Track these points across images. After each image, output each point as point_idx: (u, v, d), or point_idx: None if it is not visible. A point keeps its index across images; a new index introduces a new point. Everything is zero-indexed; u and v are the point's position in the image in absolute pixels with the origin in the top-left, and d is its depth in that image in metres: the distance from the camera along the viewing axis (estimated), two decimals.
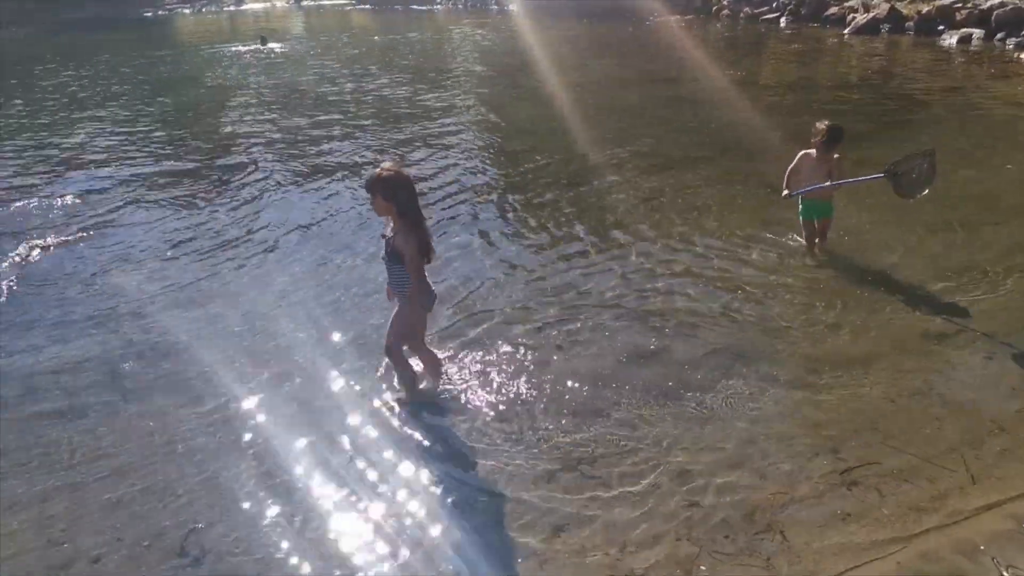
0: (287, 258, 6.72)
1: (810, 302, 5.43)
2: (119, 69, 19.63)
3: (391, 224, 4.12)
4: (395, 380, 4.56)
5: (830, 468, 3.71)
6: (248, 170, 9.63)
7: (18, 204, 8.47)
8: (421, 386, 4.53)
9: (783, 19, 23.43)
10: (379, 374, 4.71)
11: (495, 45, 22.29)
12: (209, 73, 18.55)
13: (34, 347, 5.32)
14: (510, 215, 7.69)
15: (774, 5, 24.46)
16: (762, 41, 20.65)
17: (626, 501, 3.58)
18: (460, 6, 36.04)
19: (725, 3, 26.09)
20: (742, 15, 25.01)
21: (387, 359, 4.48)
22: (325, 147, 10.69)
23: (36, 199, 8.64)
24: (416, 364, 4.57)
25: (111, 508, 3.69)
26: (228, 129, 12.24)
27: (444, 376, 4.61)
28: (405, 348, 4.45)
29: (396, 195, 3.96)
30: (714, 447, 3.94)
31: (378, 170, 3.99)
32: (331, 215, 7.83)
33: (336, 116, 12.76)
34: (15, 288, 6.29)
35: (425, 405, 4.40)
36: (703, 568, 3.16)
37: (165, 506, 3.68)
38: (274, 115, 13.09)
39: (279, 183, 9.05)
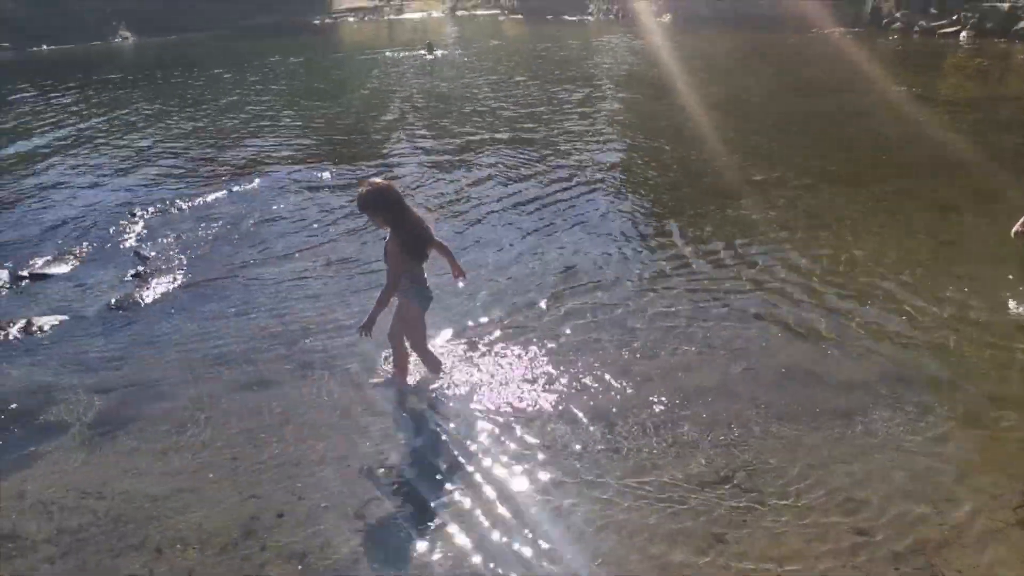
0: None
1: (1000, 341, 4.99)
2: (295, 70, 21.17)
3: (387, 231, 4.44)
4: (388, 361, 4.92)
5: (1014, 507, 3.45)
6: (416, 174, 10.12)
7: (211, 195, 9.34)
8: (412, 379, 4.84)
9: (963, 33, 21.74)
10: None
11: (646, 55, 22.11)
12: (379, 77, 19.57)
13: (221, 315, 5.88)
14: (659, 222, 7.64)
15: (954, 18, 22.71)
16: (939, 56, 19.26)
17: (786, 517, 3.49)
18: (611, 16, 36.02)
19: (897, 16, 24.55)
20: (916, 29, 23.39)
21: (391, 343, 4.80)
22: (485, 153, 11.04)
23: (224, 191, 9.50)
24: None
25: (293, 468, 4.02)
26: (397, 132, 12.90)
27: (445, 375, 4.84)
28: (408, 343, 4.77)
29: (380, 207, 4.33)
30: (884, 475, 3.75)
31: (362, 190, 4.38)
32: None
33: (501, 118, 13.14)
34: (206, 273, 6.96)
35: (597, 413, 4.46)
36: None
37: (339, 474, 3.97)
38: (442, 118, 13.67)
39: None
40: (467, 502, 3.74)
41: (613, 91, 15.72)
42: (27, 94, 18.38)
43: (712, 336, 5.21)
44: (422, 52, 23.64)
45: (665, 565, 3.27)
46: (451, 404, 4.58)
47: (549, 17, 37.52)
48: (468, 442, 4.21)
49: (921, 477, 3.71)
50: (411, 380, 4.87)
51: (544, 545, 3.42)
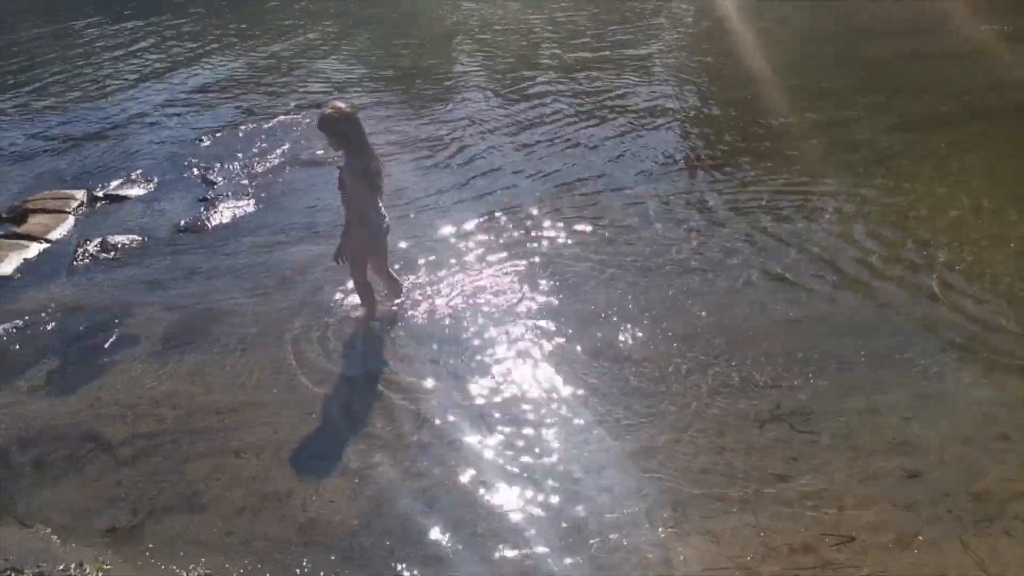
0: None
1: None
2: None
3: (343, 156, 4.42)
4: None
5: None
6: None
7: (268, 123, 9.43)
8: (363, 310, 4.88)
9: None
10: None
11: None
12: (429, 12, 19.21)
13: (285, 239, 6.03)
14: (719, 161, 7.37)
15: None
16: None
17: (841, 460, 3.46)
18: None
19: None
20: None
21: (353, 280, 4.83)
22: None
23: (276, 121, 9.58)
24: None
25: (348, 386, 4.18)
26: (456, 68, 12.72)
27: (405, 298, 4.96)
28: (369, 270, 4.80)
29: (340, 130, 4.28)
30: (937, 420, 3.67)
31: (326, 110, 4.29)
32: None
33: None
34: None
35: (628, 351, 4.46)
36: (921, 538, 3.01)
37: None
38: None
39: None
40: (514, 447, 3.82)
41: (670, 29, 15.07)
42: (90, 20, 18.70)
43: (759, 280, 5.06)
44: None
45: (722, 497, 3.30)
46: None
47: None
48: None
49: (977, 424, 3.61)
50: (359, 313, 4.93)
51: (601, 480, 3.48)
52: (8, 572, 3.12)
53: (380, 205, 4.62)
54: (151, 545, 3.26)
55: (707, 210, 6.16)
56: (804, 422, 3.72)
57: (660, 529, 3.16)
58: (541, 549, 3.12)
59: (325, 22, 16.68)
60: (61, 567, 3.14)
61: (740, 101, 9.33)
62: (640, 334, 4.51)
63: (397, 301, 4.99)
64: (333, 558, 3.14)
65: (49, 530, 3.36)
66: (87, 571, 3.12)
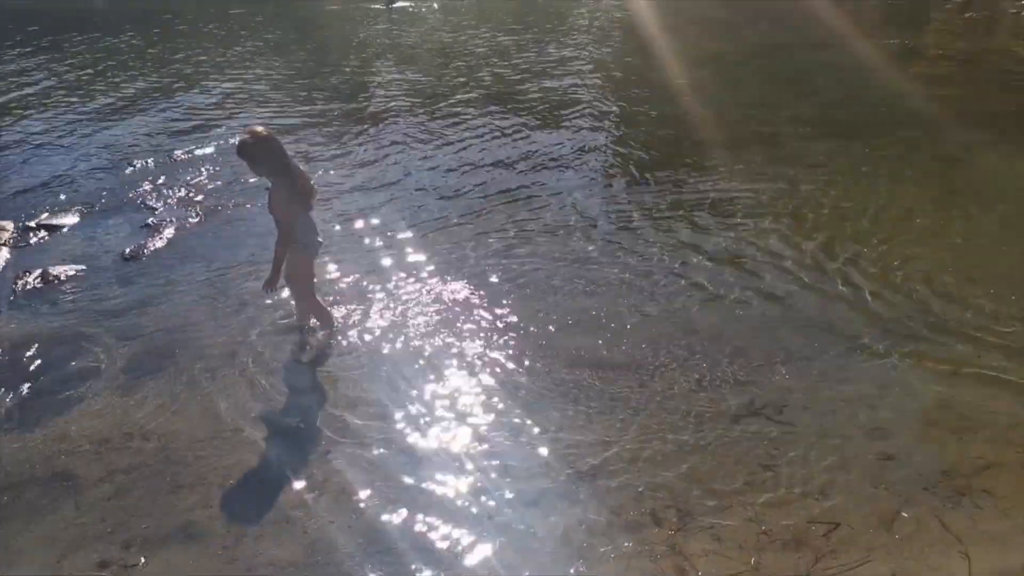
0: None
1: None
2: (253, 24, 20.70)
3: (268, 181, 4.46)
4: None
5: None
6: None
7: (200, 148, 9.21)
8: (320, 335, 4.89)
9: None
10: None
11: (626, 16, 21.88)
12: (335, 31, 19.17)
13: (234, 261, 5.90)
14: (647, 173, 7.67)
15: None
16: (927, 11, 19.29)
17: (817, 449, 3.68)
18: None
19: None
20: None
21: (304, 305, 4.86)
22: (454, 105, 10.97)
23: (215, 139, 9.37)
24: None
25: (331, 408, 4.13)
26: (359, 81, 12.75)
27: (337, 327, 4.91)
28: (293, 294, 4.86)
29: (258, 156, 4.28)
30: (904, 407, 3.95)
31: (243, 137, 4.30)
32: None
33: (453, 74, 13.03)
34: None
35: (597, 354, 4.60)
36: (905, 515, 3.23)
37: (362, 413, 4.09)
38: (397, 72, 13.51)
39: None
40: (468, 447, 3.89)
41: (594, 49, 15.55)
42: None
43: (714, 283, 5.34)
44: (379, 5, 23.05)
45: (718, 493, 3.44)
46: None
47: None
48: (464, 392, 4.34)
49: (941, 408, 3.91)
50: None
51: (594, 482, 3.58)
52: None
53: (314, 223, 4.62)
54: (148, 573, 3.14)
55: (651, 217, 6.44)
56: (779, 414, 3.94)
57: (666, 530, 3.28)
58: (544, 558, 3.18)
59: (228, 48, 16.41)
60: None
61: (664, 116, 9.73)
62: (597, 340, 4.67)
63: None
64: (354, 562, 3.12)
65: (35, 566, 3.20)
66: None
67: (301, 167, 4.67)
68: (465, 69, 13.39)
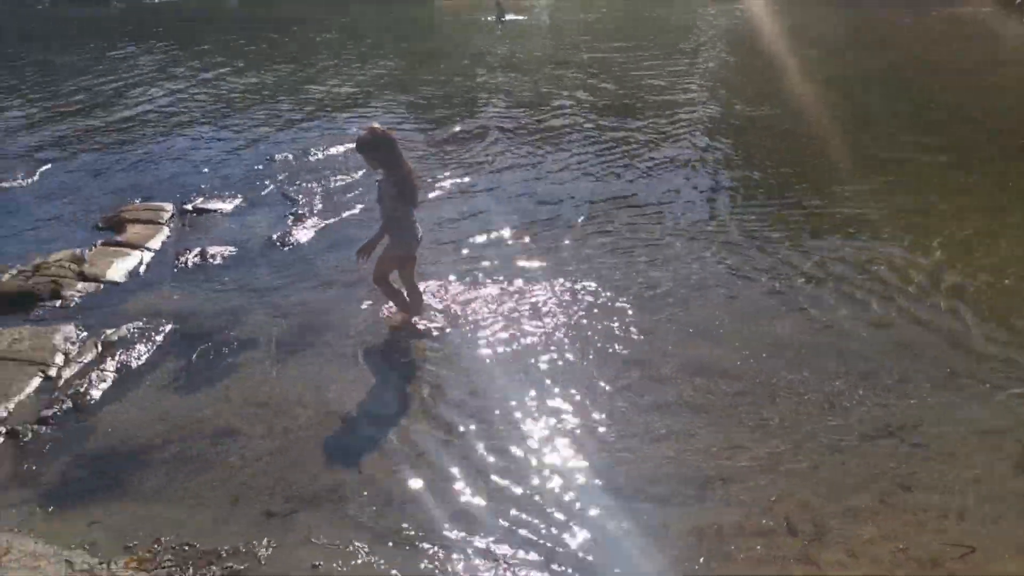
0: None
1: None
2: (372, 31, 21.58)
3: (380, 174, 4.87)
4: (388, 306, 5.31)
5: None
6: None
7: (332, 147, 9.77)
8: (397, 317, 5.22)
9: None
10: (365, 306, 5.45)
11: (745, 28, 21.59)
12: (450, 41, 19.77)
13: None
14: (772, 202, 7.65)
15: None
16: None
17: (954, 474, 3.65)
18: None
19: None
20: None
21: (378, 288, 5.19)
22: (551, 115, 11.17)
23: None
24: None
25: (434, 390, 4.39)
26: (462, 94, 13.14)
27: (430, 312, 5.26)
28: (394, 279, 5.17)
29: (378, 152, 4.73)
30: None
31: (362, 134, 4.78)
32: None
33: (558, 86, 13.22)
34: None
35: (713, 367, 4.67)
36: None
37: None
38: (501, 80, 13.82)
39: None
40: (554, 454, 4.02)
41: (705, 64, 15.47)
42: (134, 47, 19.29)
43: (841, 303, 5.33)
44: (491, 17, 23.70)
45: (852, 508, 3.47)
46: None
47: None
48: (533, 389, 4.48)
49: None
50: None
51: (726, 487, 3.67)
52: (184, 546, 3.31)
53: (414, 218, 4.99)
54: (309, 527, 3.44)
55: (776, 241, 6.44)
56: (913, 436, 3.91)
57: (799, 539, 3.33)
58: (674, 554, 3.29)
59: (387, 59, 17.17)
60: (228, 546, 3.33)
61: (781, 137, 9.63)
62: (722, 351, 4.75)
63: (416, 315, 5.25)
64: (494, 538, 3.33)
65: (210, 512, 3.56)
66: (255, 548, 3.30)
67: (411, 165, 5.04)
68: (573, 81, 13.65)
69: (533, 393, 4.41)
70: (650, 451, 3.90)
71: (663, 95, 12.38)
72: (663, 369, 4.60)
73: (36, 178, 8.57)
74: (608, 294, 5.52)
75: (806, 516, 3.43)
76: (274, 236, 6.77)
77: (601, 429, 4.09)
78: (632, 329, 5.04)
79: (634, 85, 13.18)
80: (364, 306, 5.47)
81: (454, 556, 3.27)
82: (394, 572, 3.19)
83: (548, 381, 4.52)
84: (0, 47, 19.55)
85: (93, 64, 16.45)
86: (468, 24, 23.37)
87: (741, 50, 17.27)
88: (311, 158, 9.20)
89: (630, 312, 5.26)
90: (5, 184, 8.32)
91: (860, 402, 4.23)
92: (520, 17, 24.38)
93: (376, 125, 4.92)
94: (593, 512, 3.51)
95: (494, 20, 23.50)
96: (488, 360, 4.78)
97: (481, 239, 6.63)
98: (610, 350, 4.82)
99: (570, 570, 3.20)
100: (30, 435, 4.12)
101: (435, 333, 5.11)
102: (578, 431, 4.08)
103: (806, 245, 6.33)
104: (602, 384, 4.48)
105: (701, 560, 3.23)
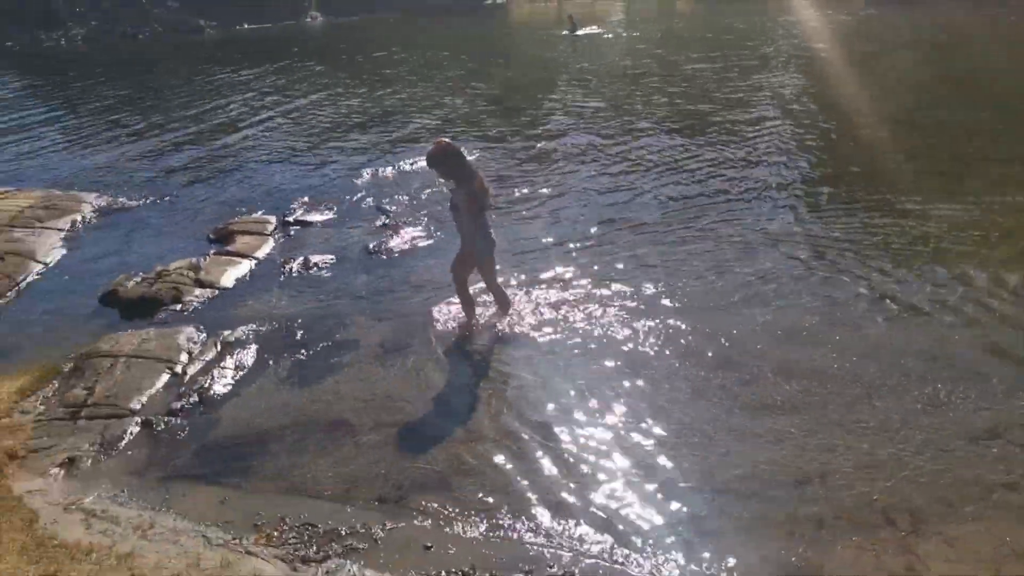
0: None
1: None
2: (450, 48, 22.11)
3: (452, 184, 5.08)
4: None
5: None
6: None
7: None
8: (479, 320, 5.49)
9: None
10: (455, 309, 5.64)
11: (840, 33, 21.14)
12: (526, 54, 20.09)
13: None
14: (854, 209, 7.53)
15: None
16: None
17: None
18: None
19: None
20: None
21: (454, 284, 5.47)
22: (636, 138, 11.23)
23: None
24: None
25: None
26: (539, 108, 13.34)
27: (512, 314, 5.46)
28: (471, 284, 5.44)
29: (446, 163, 4.97)
30: None
31: (431, 148, 5.03)
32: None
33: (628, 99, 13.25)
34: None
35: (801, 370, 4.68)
36: None
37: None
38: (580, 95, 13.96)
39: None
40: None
41: (786, 74, 15.25)
42: (228, 73, 20.37)
43: (939, 309, 5.25)
44: (565, 32, 24.09)
45: (954, 504, 3.47)
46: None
47: None
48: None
49: None
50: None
51: (823, 482, 3.71)
52: (307, 526, 3.59)
53: (488, 224, 5.23)
54: (419, 512, 3.66)
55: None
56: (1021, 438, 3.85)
57: (898, 531, 3.35)
58: (774, 543, 3.36)
59: (427, 71, 17.60)
60: (346, 527, 3.58)
61: (868, 156, 9.46)
62: (817, 354, 4.75)
63: (505, 315, 5.49)
64: (594, 529, 3.47)
65: (328, 496, 3.83)
66: (371, 530, 3.54)
67: (480, 173, 5.30)
68: (649, 93, 13.72)
69: (624, 391, 4.54)
70: (746, 449, 3.96)
71: (744, 106, 12.32)
72: (756, 370, 4.65)
73: (153, 197, 9.22)
74: (691, 295, 5.61)
75: (904, 511, 3.45)
76: (370, 245, 7.12)
77: (696, 426, 4.17)
78: (720, 331, 5.10)
79: (713, 97, 13.17)
80: (455, 309, 5.71)
81: (556, 543, 3.43)
82: (502, 556, 3.37)
83: (640, 381, 4.63)
84: (109, 75, 21.00)
85: (194, 89, 17.51)
86: (543, 39, 23.73)
87: (827, 59, 16.96)
88: (399, 172, 9.59)
89: (716, 313, 5.33)
90: (130, 203, 8.99)
91: (962, 404, 4.18)
92: (593, 31, 24.65)
93: (443, 139, 5.17)
94: (690, 504, 3.61)
95: (568, 34, 23.89)
96: (577, 359, 4.93)
97: (562, 244, 6.83)
98: (699, 351, 4.90)
99: (668, 559, 3.31)
100: (162, 425, 4.50)
101: (521, 334, 5.29)
102: (672, 427, 4.18)
103: (896, 252, 6.24)
104: (694, 383, 4.56)
105: (799, 550, 3.29)
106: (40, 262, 7.23)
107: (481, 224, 5.17)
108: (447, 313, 5.68)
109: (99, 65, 23.95)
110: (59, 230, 8.03)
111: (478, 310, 5.60)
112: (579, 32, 23.91)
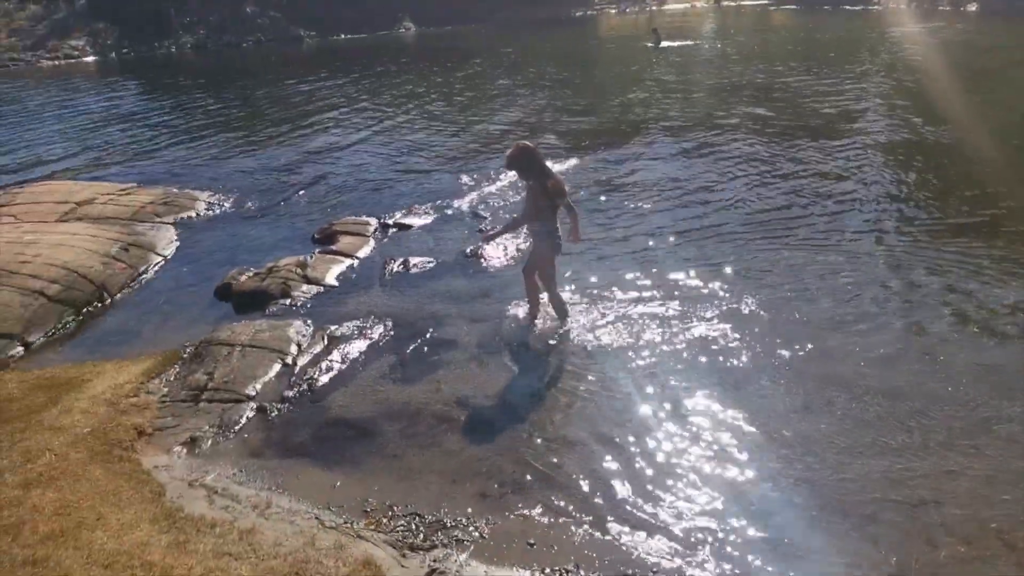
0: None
1: None
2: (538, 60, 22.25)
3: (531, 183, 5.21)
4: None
5: None
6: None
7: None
8: (538, 321, 5.63)
9: None
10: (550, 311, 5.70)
11: (946, 48, 20.28)
12: (613, 65, 20.04)
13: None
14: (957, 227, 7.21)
15: None
16: None
17: None
18: (903, 5, 33.24)
19: None
20: None
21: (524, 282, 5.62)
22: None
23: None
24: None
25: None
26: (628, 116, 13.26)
27: (569, 319, 5.57)
28: (541, 286, 5.53)
29: (521, 164, 5.17)
30: None
31: (509, 151, 5.23)
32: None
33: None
34: None
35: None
36: None
37: None
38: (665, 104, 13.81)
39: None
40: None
41: (883, 86, 14.69)
42: (328, 80, 21.12)
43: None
44: (649, 44, 24.13)
45: None
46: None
47: (827, 7, 35.56)
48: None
49: None
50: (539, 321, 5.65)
51: (940, 510, 3.59)
52: (414, 515, 3.71)
53: (557, 228, 5.33)
54: (522, 509, 3.74)
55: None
56: None
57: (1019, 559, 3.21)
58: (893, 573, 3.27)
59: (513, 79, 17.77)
60: (451, 519, 3.68)
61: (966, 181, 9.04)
62: (918, 375, 4.58)
63: (563, 323, 5.58)
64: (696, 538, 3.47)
65: (433, 488, 3.94)
66: (476, 523, 3.64)
67: (557, 175, 5.46)
68: (738, 104, 13.50)
69: (723, 402, 4.50)
70: (856, 467, 3.87)
71: (838, 120, 11.99)
72: (862, 389, 4.53)
73: (259, 197, 9.68)
74: (779, 308, 5.53)
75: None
76: (468, 249, 7.27)
77: (801, 442, 4.10)
78: (819, 347, 5.00)
79: (804, 110, 12.87)
80: (550, 311, 5.77)
81: (657, 550, 3.44)
82: (604, 558, 3.40)
83: (737, 392, 4.59)
84: (216, 81, 22.14)
85: (295, 96, 18.26)
86: (628, 51, 23.72)
87: (934, 73, 16.30)
88: (493, 179, 9.75)
89: (809, 327, 5.25)
90: (239, 202, 9.48)
91: None
92: (676, 43, 24.66)
93: (521, 142, 5.35)
94: (795, 520, 3.56)
95: (652, 47, 23.96)
96: (672, 369, 4.92)
97: (646, 251, 6.91)
98: (798, 367, 4.81)
99: (771, 574, 3.27)
100: (276, 411, 4.73)
101: (617, 341, 5.32)
102: (775, 441, 4.12)
103: (995, 276, 5.96)
104: (800, 399, 4.48)
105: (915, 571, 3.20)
106: (160, 255, 7.70)
107: (550, 226, 5.31)
108: (541, 316, 5.75)
109: (206, 72, 25.28)
110: (176, 225, 8.53)
111: (579, 319, 5.65)
112: (663, 44, 23.95)
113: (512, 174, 9.38)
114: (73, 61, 30.22)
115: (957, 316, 5.36)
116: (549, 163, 5.74)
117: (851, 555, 3.34)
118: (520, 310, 5.86)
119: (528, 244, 5.58)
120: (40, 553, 3.28)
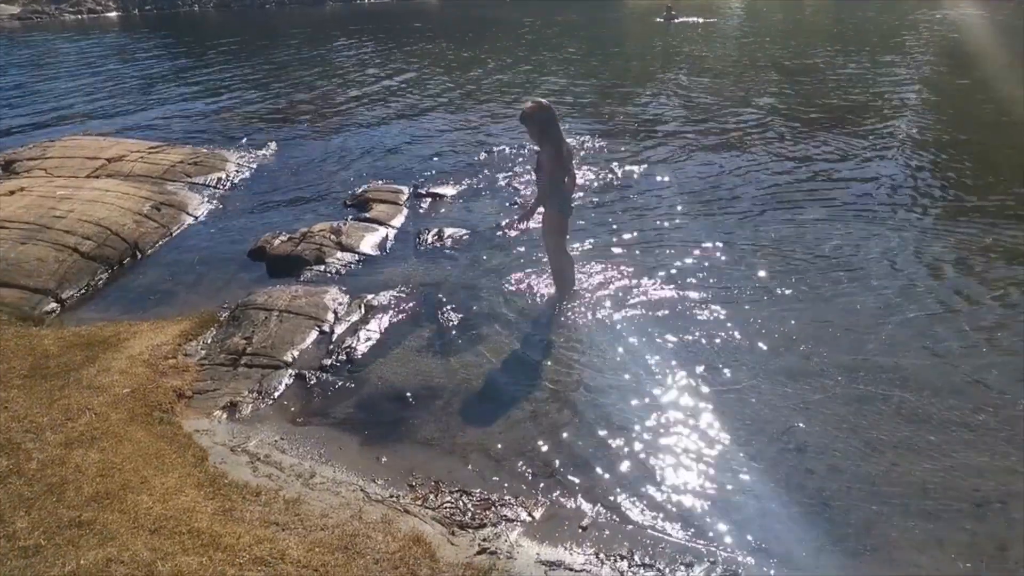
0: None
1: None
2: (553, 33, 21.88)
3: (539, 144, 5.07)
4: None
5: None
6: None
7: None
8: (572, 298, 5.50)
9: None
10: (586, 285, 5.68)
11: (1005, 29, 19.77)
12: (635, 40, 19.67)
13: (597, 245, 6.45)
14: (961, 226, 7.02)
15: None
16: None
17: None
18: None
19: None
20: None
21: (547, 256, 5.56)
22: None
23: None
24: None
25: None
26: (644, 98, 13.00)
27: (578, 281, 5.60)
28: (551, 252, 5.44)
29: (538, 122, 4.97)
30: None
31: (527, 106, 5.04)
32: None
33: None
34: None
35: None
36: None
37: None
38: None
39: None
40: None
41: (922, 73, 14.33)
42: (351, 46, 20.83)
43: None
44: (659, 19, 24.44)
45: None
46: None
47: None
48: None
49: None
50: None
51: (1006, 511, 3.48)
52: (460, 491, 3.64)
53: (565, 193, 5.22)
54: (572, 490, 3.66)
55: None
56: None
57: None
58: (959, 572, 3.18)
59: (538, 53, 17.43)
60: (499, 498, 3.61)
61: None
62: (970, 372, 4.45)
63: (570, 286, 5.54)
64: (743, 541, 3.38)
65: (479, 465, 3.87)
66: (526, 503, 3.56)
67: (568, 141, 5.33)
68: (751, 84, 13.21)
69: (770, 390, 4.39)
70: (915, 463, 3.76)
71: (865, 106, 11.71)
72: (914, 383, 4.40)
73: (289, 160, 9.57)
74: (805, 296, 5.40)
75: None
76: (502, 223, 7.15)
77: (855, 435, 4.00)
78: (860, 336, 4.87)
79: (830, 93, 12.57)
80: (586, 285, 5.67)
81: (710, 540, 3.36)
82: (659, 546, 3.32)
83: (786, 380, 4.47)
84: (240, 40, 21.91)
85: (321, 59, 18.04)
86: (642, 26, 23.43)
87: (976, 57, 15.89)
88: (526, 150, 9.59)
89: (846, 316, 5.11)
90: (269, 165, 9.37)
91: None
92: (692, 20, 24.73)
93: (539, 99, 5.18)
94: (852, 515, 3.46)
95: (661, 22, 24.23)
96: (718, 354, 4.80)
97: (662, 232, 6.72)
98: (843, 358, 4.69)
99: (831, 570, 3.18)
100: (315, 379, 4.66)
101: (651, 317, 5.21)
102: (828, 432, 4.01)
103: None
104: (850, 391, 4.37)
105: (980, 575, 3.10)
106: (191, 215, 7.62)
107: (560, 186, 5.19)
108: (580, 286, 5.67)
109: (229, 30, 25.02)
110: (207, 186, 8.43)
111: (633, 294, 5.55)
112: (676, 20, 24.25)
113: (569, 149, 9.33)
114: (96, 16, 29.98)
115: (1010, 311, 5.21)
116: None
117: (914, 552, 3.24)
118: (554, 286, 5.74)
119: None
120: (87, 515, 3.23)
